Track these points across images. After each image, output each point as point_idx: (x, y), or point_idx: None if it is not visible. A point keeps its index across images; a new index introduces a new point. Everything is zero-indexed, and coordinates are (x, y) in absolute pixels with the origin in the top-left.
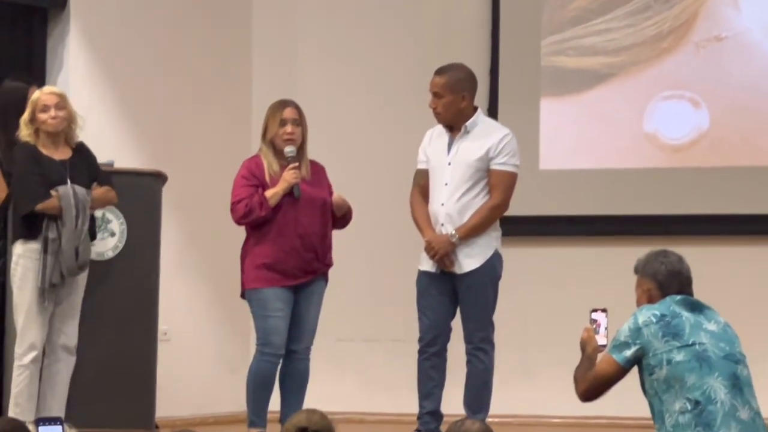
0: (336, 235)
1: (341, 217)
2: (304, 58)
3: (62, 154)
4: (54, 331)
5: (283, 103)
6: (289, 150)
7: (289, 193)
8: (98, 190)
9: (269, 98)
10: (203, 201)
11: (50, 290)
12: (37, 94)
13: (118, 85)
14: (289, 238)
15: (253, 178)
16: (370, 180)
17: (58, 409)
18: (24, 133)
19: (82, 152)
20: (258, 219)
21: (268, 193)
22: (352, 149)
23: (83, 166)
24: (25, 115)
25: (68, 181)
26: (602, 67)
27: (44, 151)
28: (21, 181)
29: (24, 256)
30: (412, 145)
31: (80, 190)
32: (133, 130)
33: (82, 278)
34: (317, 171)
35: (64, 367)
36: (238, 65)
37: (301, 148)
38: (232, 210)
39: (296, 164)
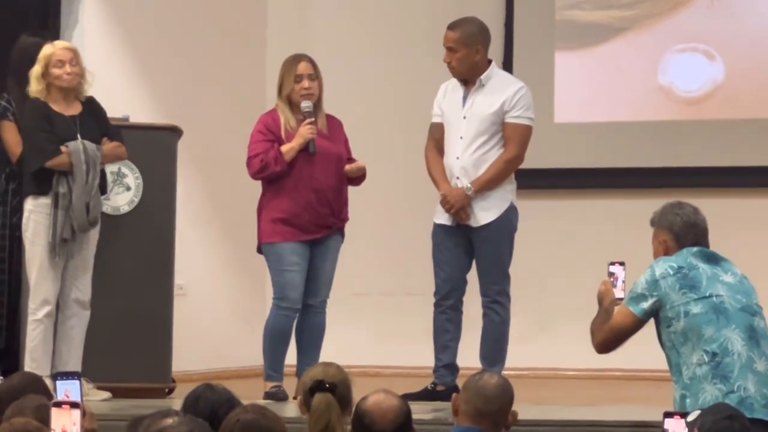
0: (352, 188)
1: (354, 178)
2: (319, 13)
3: (72, 109)
4: (67, 286)
5: (297, 58)
6: (306, 105)
7: (305, 148)
8: (108, 146)
9: (283, 52)
10: (219, 155)
11: (61, 245)
12: (49, 49)
13: (133, 39)
14: (304, 193)
15: (269, 133)
16: (386, 134)
17: (74, 363)
18: (35, 88)
19: (92, 107)
20: (273, 174)
21: (284, 148)
22: (367, 103)
23: (93, 121)
24: (37, 70)
25: (78, 136)
26: (616, 21)
27: (54, 107)
28: (31, 138)
29: (35, 211)
30: (428, 98)
31: (90, 146)
32: (149, 84)
33: (94, 233)
34: (334, 126)
35: (79, 321)
36: (253, 19)
37: (318, 102)
38: (248, 165)
39: (312, 120)
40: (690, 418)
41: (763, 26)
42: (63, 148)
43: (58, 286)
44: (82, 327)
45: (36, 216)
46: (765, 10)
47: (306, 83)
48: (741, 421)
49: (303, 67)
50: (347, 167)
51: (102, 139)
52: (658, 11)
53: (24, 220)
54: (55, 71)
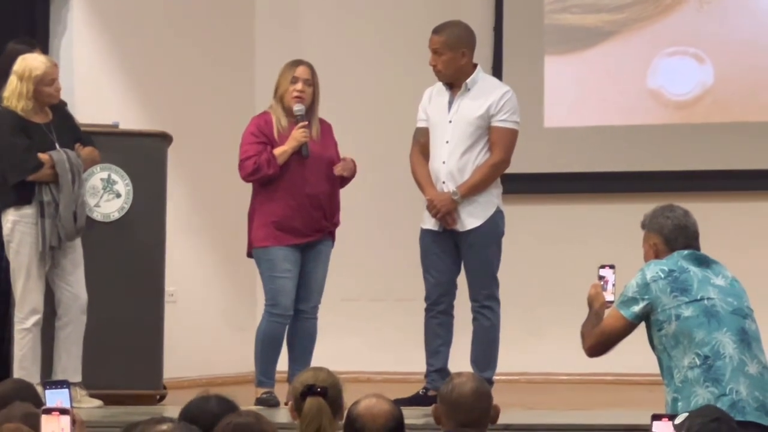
0: (340, 194)
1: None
2: (307, 17)
3: (45, 117)
4: (62, 292)
5: (297, 62)
6: (298, 108)
7: (298, 152)
8: (85, 151)
9: (272, 57)
10: (208, 161)
11: (49, 253)
12: (41, 68)
13: (122, 46)
14: (298, 196)
15: (261, 135)
16: (374, 139)
17: (73, 370)
18: (20, 105)
19: (61, 113)
20: (266, 177)
21: (277, 151)
22: (354, 108)
23: (65, 127)
24: (26, 88)
25: (57, 145)
26: (606, 24)
27: (28, 117)
28: (9, 150)
29: (20, 221)
30: (414, 103)
31: (72, 154)
32: (138, 91)
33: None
34: (325, 130)
35: (76, 327)
36: (242, 24)
37: (312, 109)
38: (240, 167)
39: (306, 123)
40: (677, 420)
41: (753, 29)
42: (44, 158)
43: (43, 294)
44: (80, 332)
45: (21, 226)
46: (754, 13)
47: (300, 86)
48: (728, 423)
49: (301, 71)
50: (336, 168)
51: (75, 145)
52: (647, 15)
53: (6, 231)
54: (47, 89)
